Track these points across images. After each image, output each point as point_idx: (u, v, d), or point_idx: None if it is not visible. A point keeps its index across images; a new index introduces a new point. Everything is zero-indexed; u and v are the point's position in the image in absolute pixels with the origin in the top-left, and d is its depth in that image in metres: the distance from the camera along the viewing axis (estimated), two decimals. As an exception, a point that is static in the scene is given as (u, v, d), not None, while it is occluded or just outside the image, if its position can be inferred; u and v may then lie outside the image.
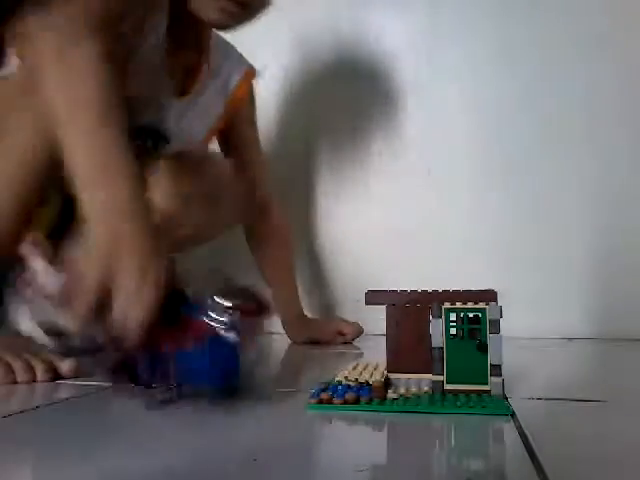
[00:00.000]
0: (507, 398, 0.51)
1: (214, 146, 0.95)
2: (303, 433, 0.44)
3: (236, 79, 0.91)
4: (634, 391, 0.59)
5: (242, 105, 0.94)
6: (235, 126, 0.94)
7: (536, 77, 1.09)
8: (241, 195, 0.88)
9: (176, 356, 0.47)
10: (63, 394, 0.58)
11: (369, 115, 1.16)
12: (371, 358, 0.60)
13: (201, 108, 0.86)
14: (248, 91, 0.95)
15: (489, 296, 0.52)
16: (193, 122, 0.86)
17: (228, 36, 1.18)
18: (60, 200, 0.74)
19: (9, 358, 0.64)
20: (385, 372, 0.54)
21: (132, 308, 0.45)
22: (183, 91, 0.82)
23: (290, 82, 1.18)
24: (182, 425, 0.46)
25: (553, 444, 0.40)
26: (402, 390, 0.52)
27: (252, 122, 0.97)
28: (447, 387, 0.52)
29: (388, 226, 1.14)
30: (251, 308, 0.48)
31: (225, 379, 0.48)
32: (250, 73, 0.94)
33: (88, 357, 0.48)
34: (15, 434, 0.45)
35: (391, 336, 0.54)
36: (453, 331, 0.52)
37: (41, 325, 0.47)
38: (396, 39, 1.16)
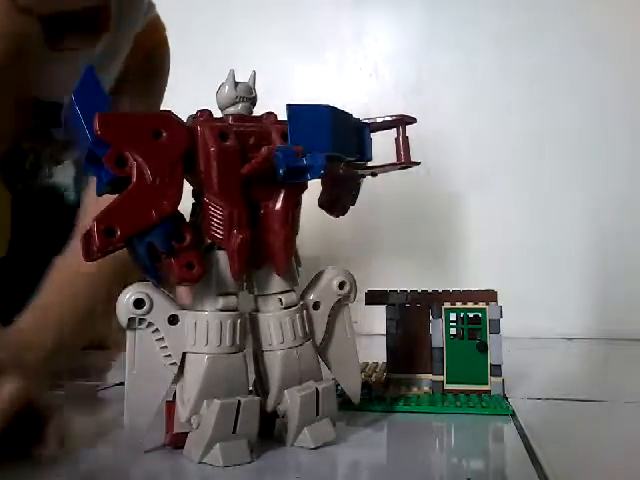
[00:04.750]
0: (507, 398, 0.51)
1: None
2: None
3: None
4: (634, 391, 0.59)
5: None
6: None
7: (537, 77, 1.09)
8: None
9: None
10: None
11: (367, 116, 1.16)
12: (371, 358, 0.60)
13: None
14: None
15: (489, 296, 0.52)
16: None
17: (225, 37, 1.18)
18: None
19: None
20: (385, 372, 0.54)
21: None
22: None
23: (290, 82, 1.18)
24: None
25: (553, 444, 0.40)
26: (402, 390, 0.52)
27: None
28: (447, 387, 0.52)
29: (388, 226, 1.14)
30: None
31: None
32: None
33: None
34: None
35: (391, 336, 0.54)
36: (453, 331, 0.52)
37: None
38: (396, 39, 1.16)
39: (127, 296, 0.36)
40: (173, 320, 0.37)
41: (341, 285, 0.43)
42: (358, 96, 1.17)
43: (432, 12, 1.15)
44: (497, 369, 0.51)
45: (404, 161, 0.47)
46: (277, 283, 0.40)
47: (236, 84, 0.40)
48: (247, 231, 0.37)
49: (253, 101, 0.41)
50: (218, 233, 0.37)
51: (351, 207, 0.49)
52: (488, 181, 1.10)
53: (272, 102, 0.42)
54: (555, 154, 1.08)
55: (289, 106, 0.38)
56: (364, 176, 0.49)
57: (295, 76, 1.19)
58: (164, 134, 0.35)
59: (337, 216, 0.47)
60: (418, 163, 0.47)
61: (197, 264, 0.35)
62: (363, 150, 0.45)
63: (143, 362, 0.36)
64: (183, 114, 0.39)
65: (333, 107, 0.40)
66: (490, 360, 0.51)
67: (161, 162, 0.35)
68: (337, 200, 0.47)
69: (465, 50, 1.13)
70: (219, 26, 1.17)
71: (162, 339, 0.37)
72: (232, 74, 0.40)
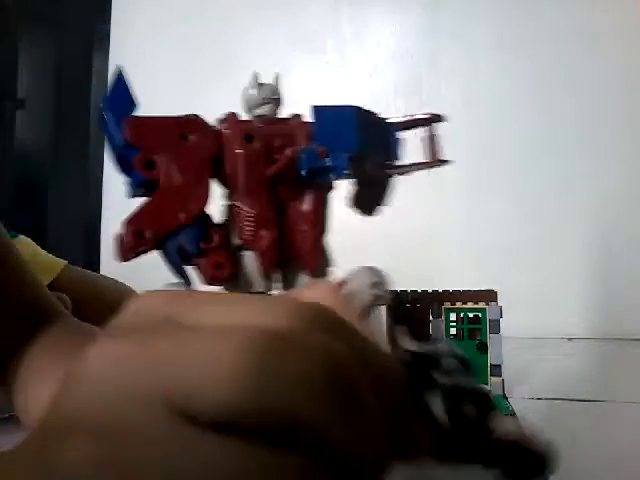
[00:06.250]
0: (507, 398, 0.51)
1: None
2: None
3: None
4: (634, 391, 0.59)
5: None
6: None
7: (536, 77, 1.09)
8: None
9: None
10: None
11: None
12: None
13: None
14: None
15: (489, 296, 0.52)
16: None
17: (226, 38, 1.18)
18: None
19: None
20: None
21: None
22: None
23: (290, 83, 1.19)
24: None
25: (553, 444, 0.40)
26: (402, 390, 0.52)
27: None
28: (447, 387, 0.52)
29: (387, 226, 1.14)
30: None
31: None
32: None
33: None
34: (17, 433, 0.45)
35: (391, 336, 0.54)
36: (453, 331, 0.52)
37: None
38: (396, 39, 1.16)
39: None
40: None
41: (374, 285, 0.43)
42: (358, 96, 1.16)
43: (432, 12, 1.15)
44: (497, 369, 0.51)
45: (433, 160, 0.46)
46: (307, 283, 0.40)
47: (260, 85, 0.40)
48: (275, 231, 0.37)
49: (278, 102, 0.41)
50: (246, 234, 0.37)
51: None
52: (488, 180, 1.10)
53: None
54: (556, 153, 1.08)
55: (314, 107, 0.38)
56: (393, 175, 0.48)
57: (295, 76, 1.19)
58: (191, 137, 0.36)
59: (367, 215, 0.47)
60: (447, 161, 0.47)
61: (226, 264, 0.36)
62: (392, 150, 0.45)
63: None
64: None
65: (359, 107, 0.40)
66: (490, 360, 0.51)
67: (189, 165, 0.35)
68: (367, 200, 0.47)
69: (465, 50, 1.13)
70: (219, 27, 1.17)
71: None
72: (255, 76, 0.40)
